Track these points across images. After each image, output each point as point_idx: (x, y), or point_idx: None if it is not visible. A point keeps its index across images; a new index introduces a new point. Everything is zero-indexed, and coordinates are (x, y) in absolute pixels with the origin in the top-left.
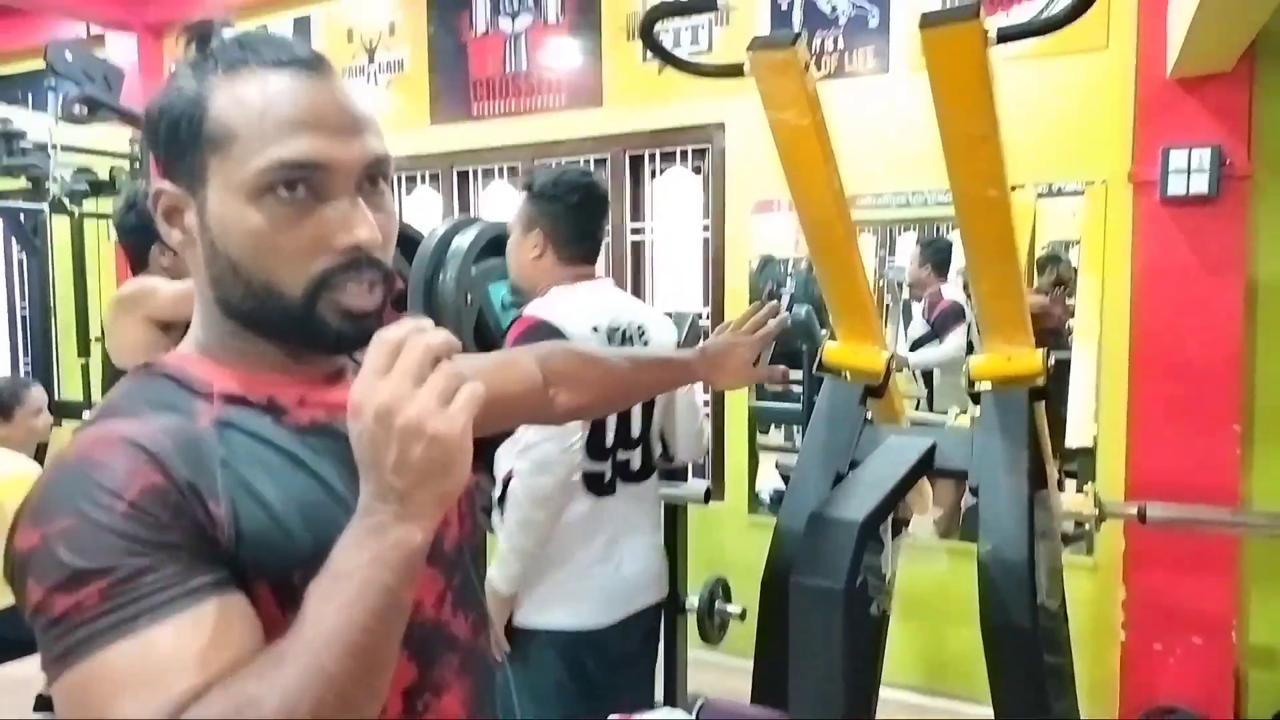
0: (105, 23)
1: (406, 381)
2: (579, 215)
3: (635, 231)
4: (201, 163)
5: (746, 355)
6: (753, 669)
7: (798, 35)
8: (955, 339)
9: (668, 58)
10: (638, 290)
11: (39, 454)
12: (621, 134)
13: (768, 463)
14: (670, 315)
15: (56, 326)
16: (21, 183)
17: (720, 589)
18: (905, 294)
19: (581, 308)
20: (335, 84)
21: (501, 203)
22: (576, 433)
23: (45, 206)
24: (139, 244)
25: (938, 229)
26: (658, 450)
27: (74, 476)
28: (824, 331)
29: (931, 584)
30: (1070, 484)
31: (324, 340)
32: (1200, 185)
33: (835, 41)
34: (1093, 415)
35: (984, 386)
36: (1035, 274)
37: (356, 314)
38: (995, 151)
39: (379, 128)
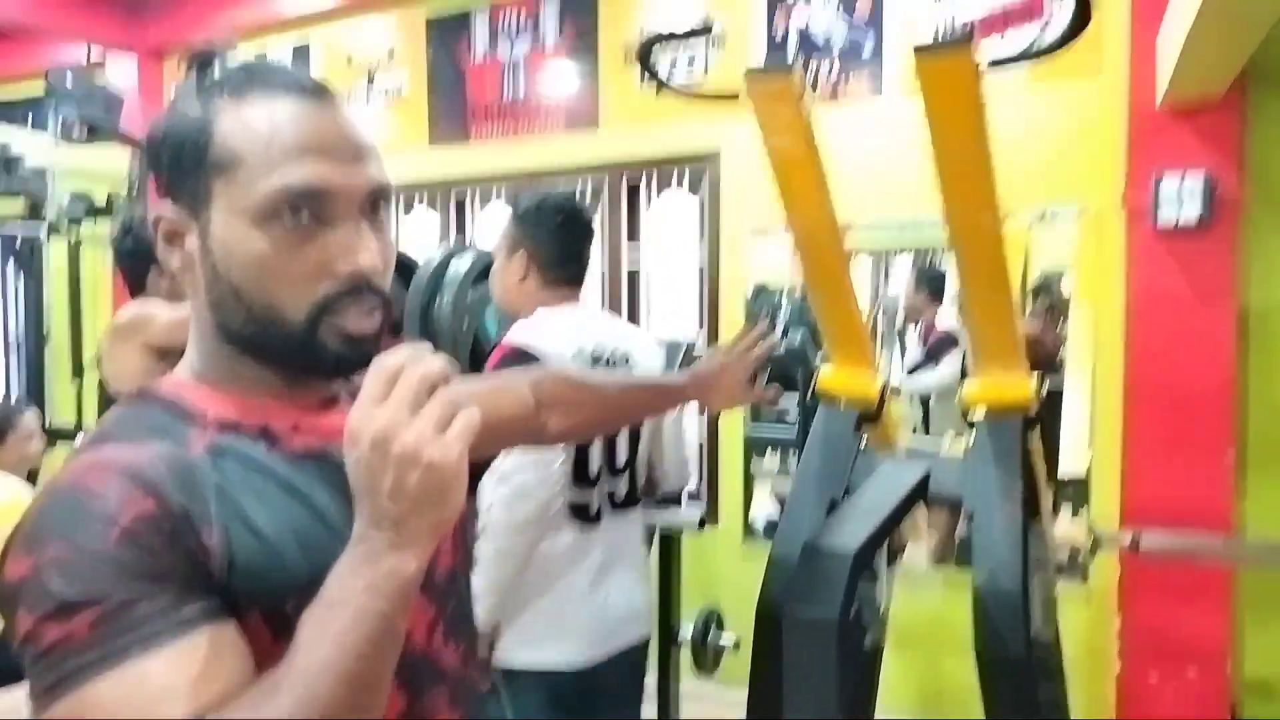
0: (106, 46)
1: (403, 409)
2: (562, 238)
3: (632, 258)
4: (205, 186)
5: (738, 377)
6: (747, 700)
7: (793, 65)
8: (950, 364)
9: (664, 84)
10: (633, 316)
11: (30, 479)
12: (618, 160)
13: (762, 489)
14: (665, 341)
15: (50, 350)
16: (19, 206)
17: (714, 619)
18: (900, 320)
19: (563, 332)
20: (339, 112)
21: (498, 226)
22: (556, 461)
23: (42, 230)
24: (136, 268)
25: (932, 256)
26: (644, 478)
27: (66, 504)
28: (819, 357)
29: (926, 614)
30: (1065, 512)
31: (324, 364)
32: (1192, 213)
33: (829, 68)
34: (1087, 443)
35: (978, 413)
36: (1028, 301)
37: (357, 338)
38: (988, 179)
39: (380, 156)
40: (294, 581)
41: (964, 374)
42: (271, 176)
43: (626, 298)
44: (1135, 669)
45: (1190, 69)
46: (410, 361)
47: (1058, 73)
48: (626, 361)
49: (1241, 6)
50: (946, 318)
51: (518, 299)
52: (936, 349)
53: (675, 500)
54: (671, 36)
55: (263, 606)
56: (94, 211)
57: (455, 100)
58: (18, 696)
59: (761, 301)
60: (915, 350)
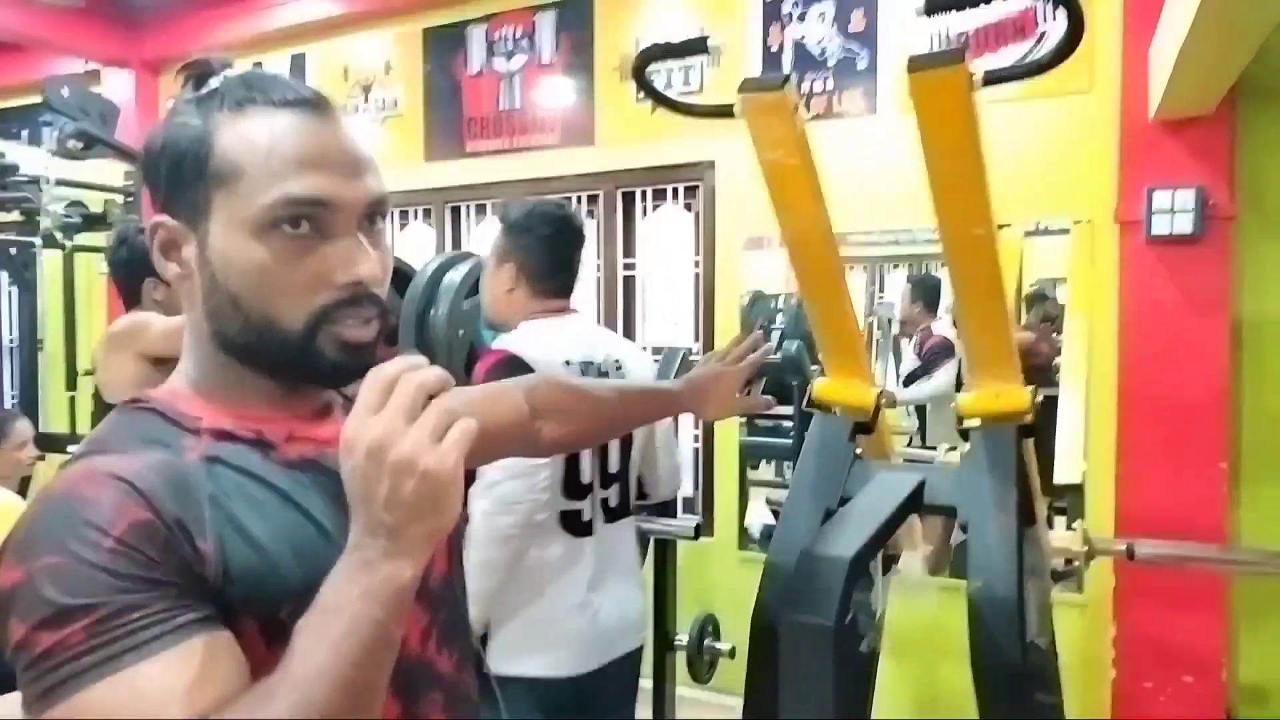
0: (102, 59)
1: (399, 418)
2: (552, 247)
3: (627, 267)
4: (205, 197)
5: (732, 385)
6: (742, 707)
7: (787, 78)
8: (945, 374)
9: (660, 98)
10: (629, 325)
11: (22, 487)
12: (614, 171)
13: (758, 498)
14: (661, 350)
15: (44, 359)
16: (14, 216)
17: (710, 626)
18: (895, 330)
19: (552, 341)
20: (339, 124)
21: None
22: (543, 471)
23: (37, 240)
24: (131, 278)
25: (926, 266)
26: (636, 487)
27: (60, 512)
28: (814, 367)
29: (922, 621)
30: (1060, 521)
31: (321, 372)
32: (1184, 225)
33: (825, 83)
34: (1081, 452)
35: (973, 423)
36: (1023, 311)
37: (354, 346)
38: (982, 191)
39: (379, 168)
40: (289, 589)
41: (959, 383)
42: (273, 188)
43: (623, 307)
44: (1131, 677)
45: (1182, 84)
46: (406, 370)
47: (1051, 87)
48: (618, 370)
49: (1232, 23)
50: (942, 327)
51: (507, 309)
52: (932, 358)
53: (669, 508)
54: (667, 51)
55: (257, 614)
56: (89, 222)
57: (451, 113)
58: (12, 705)
59: (757, 311)
60: (911, 360)
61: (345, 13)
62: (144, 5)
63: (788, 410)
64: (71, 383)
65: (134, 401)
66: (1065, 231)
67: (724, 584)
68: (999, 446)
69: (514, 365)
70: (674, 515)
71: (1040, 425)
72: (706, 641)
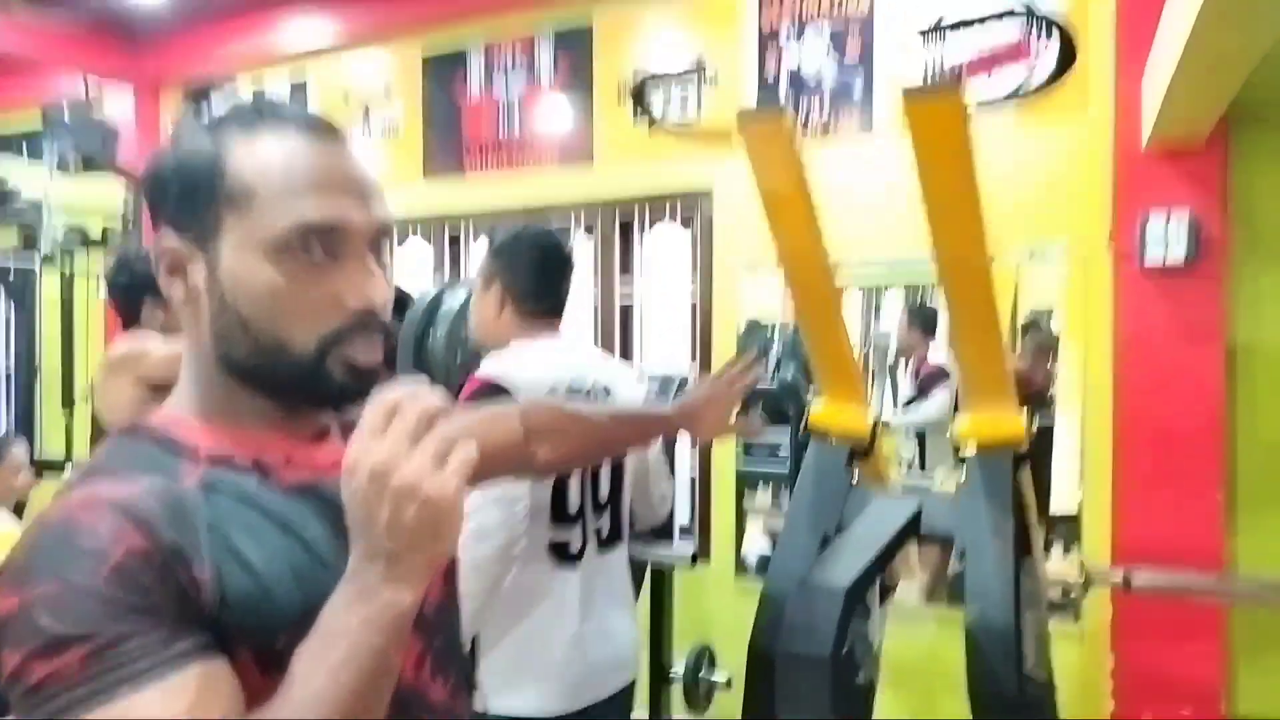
0: (103, 79)
1: (403, 443)
2: (539, 271)
3: (624, 292)
4: (215, 218)
5: (725, 408)
6: None
7: (784, 107)
8: (938, 399)
9: (658, 122)
10: (626, 350)
11: (18, 510)
12: (611, 196)
13: (754, 525)
14: (659, 375)
15: (41, 382)
16: (13, 237)
17: (706, 656)
18: (891, 357)
19: (538, 365)
20: (349, 150)
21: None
22: (520, 501)
23: (36, 262)
24: (130, 301)
25: (922, 293)
26: (628, 515)
27: (56, 539)
28: (811, 393)
29: (919, 651)
30: (1056, 550)
31: (329, 394)
32: (1178, 253)
33: (820, 108)
34: (1078, 481)
35: (969, 451)
36: (1018, 339)
37: (361, 369)
38: (977, 218)
39: (383, 194)
40: (286, 616)
41: (956, 408)
42: (288, 211)
43: (619, 332)
44: (1128, 708)
45: (1175, 111)
46: (410, 395)
47: (1045, 114)
48: (607, 394)
49: (1223, 52)
50: (939, 353)
51: (494, 332)
52: (928, 383)
53: (668, 536)
54: (665, 76)
55: (254, 642)
56: (88, 244)
57: (450, 135)
58: None
59: (754, 337)
60: (908, 386)
61: (346, 35)
62: (145, 26)
63: (784, 436)
64: (68, 405)
65: (131, 427)
66: (1059, 258)
67: (720, 613)
68: (995, 474)
69: (493, 392)
70: (671, 539)
71: (1036, 453)
72: (702, 672)
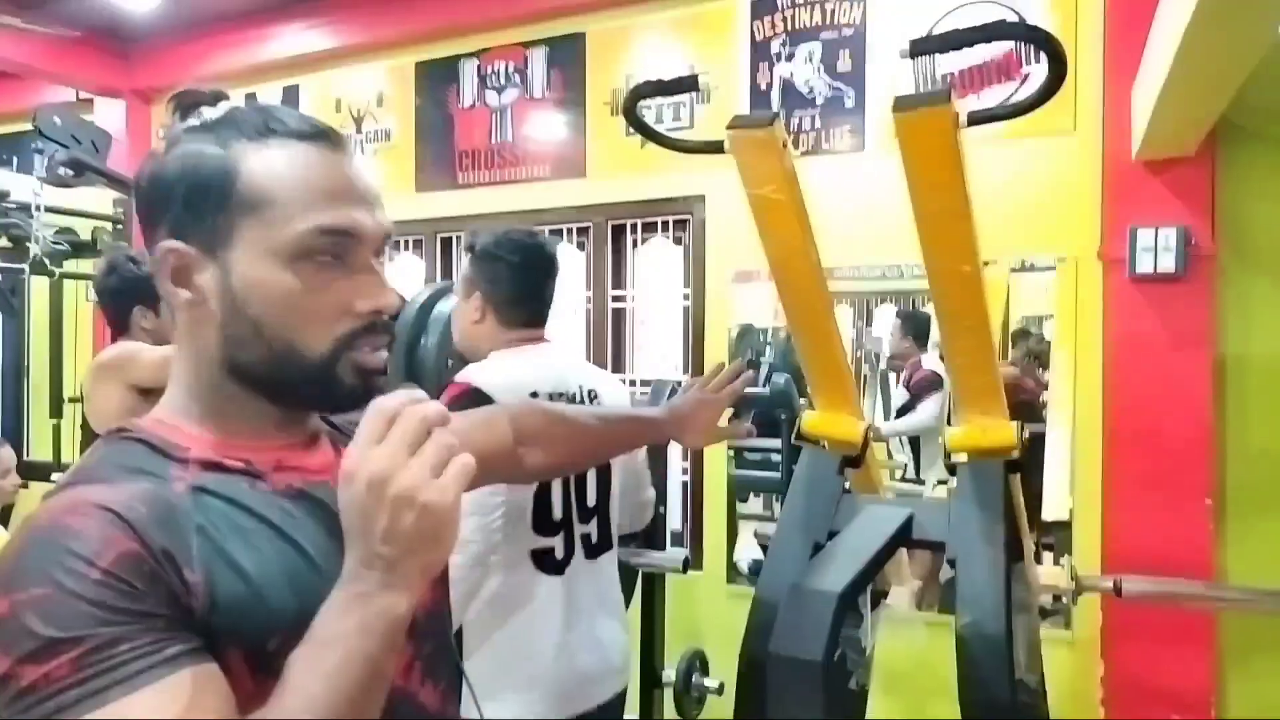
0: (94, 88)
1: (401, 451)
2: (521, 276)
3: (616, 300)
4: (228, 225)
5: (714, 413)
6: None
7: (776, 115)
8: (929, 406)
9: (650, 134)
10: (618, 358)
11: (4, 516)
12: (604, 204)
13: (746, 532)
14: (650, 383)
15: (29, 386)
16: (2, 243)
17: (698, 662)
18: (883, 365)
19: (520, 372)
20: (354, 159)
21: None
22: (499, 509)
23: (25, 267)
24: (120, 307)
25: (914, 301)
26: (615, 522)
27: (45, 543)
28: (802, 401)
29: (910, 656)
30: (1047, 557)
31: (338, 397)
32: (1167, 264)
33: (813, 120)
34: (1068, 489)
35: (960, 458)
36: (1008, 347)
37: (370, 372)
38: (967, 229)
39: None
40: (276, 620)
41: (949, 416)
42: (306, 217)
43: (612, 340)
44: (1119, 713)
45: (1163, 125)
46: (408, 403)
47: (1036, 127)
48: (593, 401)
49: (1211, 67)
50: (931, 361)
51: (476, 339)
52: (920, 390)
53: (660, 542)
54: (658, 89)
55: (244, 646)
56: (78, 249)
57: (443, 146)
58: None
59: (746, 344)
60: (900, 394)
61: (339, 45)
62: (136, 35)
63: (776, 444)
64: (57, 410)
65: (120, 431)
66: (1050, 269)
67: (712, 619)
68: (987, 482)
69: (474, 398)
70: (662, 547)
71: (1027, 461)
72: (694, 678)
